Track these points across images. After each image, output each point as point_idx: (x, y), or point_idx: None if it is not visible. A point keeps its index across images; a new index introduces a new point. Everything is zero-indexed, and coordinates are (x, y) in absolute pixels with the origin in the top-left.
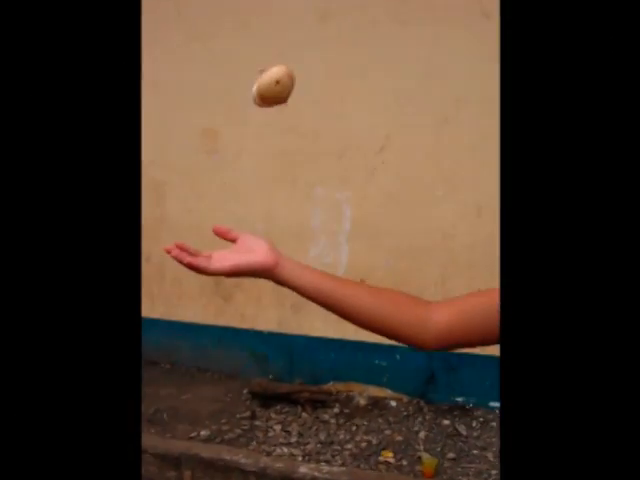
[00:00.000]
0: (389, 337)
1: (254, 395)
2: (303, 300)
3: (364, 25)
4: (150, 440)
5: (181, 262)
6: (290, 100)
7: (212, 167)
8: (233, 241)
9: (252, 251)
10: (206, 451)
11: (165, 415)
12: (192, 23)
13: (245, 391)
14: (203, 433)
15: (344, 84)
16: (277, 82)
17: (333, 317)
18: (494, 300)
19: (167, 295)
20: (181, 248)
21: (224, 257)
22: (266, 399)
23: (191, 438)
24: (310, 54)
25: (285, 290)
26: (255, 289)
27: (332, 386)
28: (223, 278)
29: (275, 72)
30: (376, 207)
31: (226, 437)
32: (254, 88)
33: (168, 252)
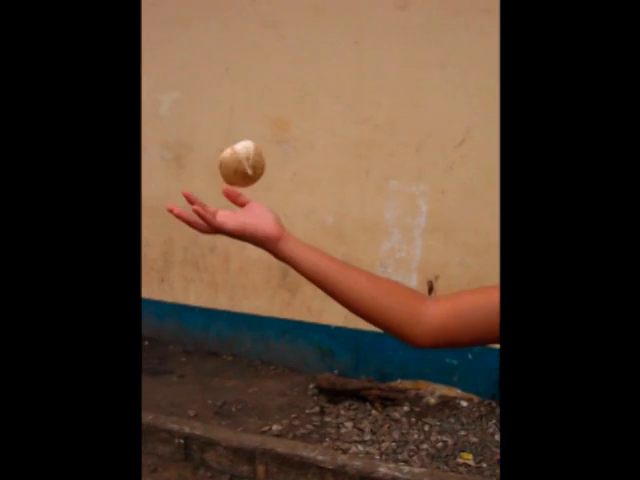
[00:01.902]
0: (381, 328)
1: (321, 390)
2: None
3: (445, 14)
4: (222, 433)
5: (185, 219)
6: (366, 90)
7: (282, 157)
8: (242, 205)
9: (259, 218)
10: (281, 446)
11: (233, 408)
12: (266, 10)
13: (311, 386)
14: (275, 428)
15: (423, 74)
16: (247, 158)
17: None
18: (492, 298)
19: (231, 286)
20: (188, 199)
21: (230, 216)
22: (334, 395)
23: (263, 432)
24: (388, 42)
25: None
26: None
27: (400, 383)
28: (291, 270)
29: (246, 148)
30: (453, 202)
31: (298, 433)
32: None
33: (170, 211)
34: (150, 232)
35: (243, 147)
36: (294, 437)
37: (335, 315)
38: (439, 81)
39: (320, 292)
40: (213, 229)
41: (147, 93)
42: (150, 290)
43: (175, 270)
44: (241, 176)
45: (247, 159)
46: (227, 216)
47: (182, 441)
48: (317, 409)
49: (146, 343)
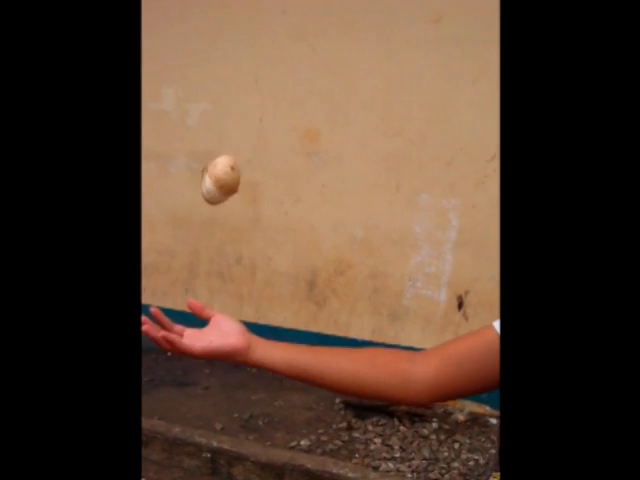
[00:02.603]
0: (374, 398)
1: (347, 405)
2: (402, 309)
3: (479, 27)
4: (250, 447)
5: (153, 338)
6: (398, 103)
7: (311, 169)
8: (207, 319)
9: (224, 334)
10: (311, 462)
11: (260, 421)
12: (297, 22)
13: (337, 400)
14: (303, 443)
15: (455, 87)
16: (232, 168)
17: (433, 328)
18: (479, 342)
19: (257, 298)
20: (156, 317)
21: (196, 337)
22: (361, 410)
23: (291, 448)
24: (420, 55)
25: (382, 298)
26: (351, 296)
27: None
28: (318, 283)
29: (226, 159)
30: (485, 216)
31: (327, 448)
32: (208, 182)
33: (142, 323)
34: (176, 242)
35: (205, 190)
36: (323, 453)
37: (362, 329)
38: (472, 94)
39: (348, 306)
40: (180, 352)
41: (175, 103)
42: (175, 301)
43: (200, 281)
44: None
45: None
46: (194, 337)
47: (209, 455)
48: (344, 424)
49: (169, 354)
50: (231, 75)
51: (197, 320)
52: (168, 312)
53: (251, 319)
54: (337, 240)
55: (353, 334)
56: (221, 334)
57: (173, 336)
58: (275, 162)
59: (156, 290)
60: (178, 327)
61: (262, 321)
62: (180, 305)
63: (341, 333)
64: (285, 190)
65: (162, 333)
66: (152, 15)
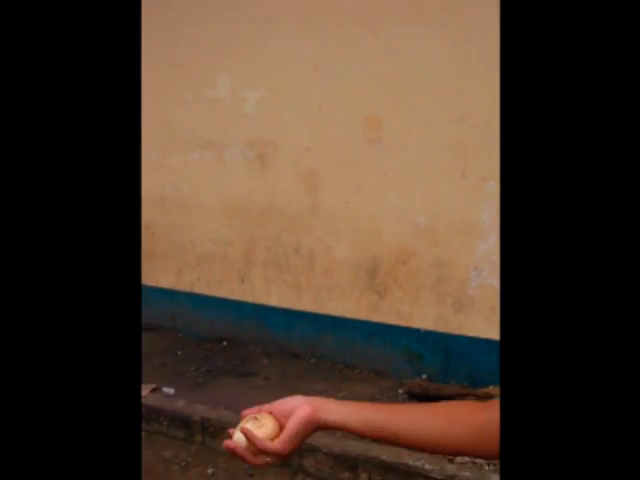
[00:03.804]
0: (454, 455)
1: (411, 395)
2: (467, 299)
3: None
4: (322, 439)
5: (235, 454)
6: (463, 88)
7: (373, 156)
8: (269, 413)
9: (290, 413)
10: (386, 454)
11: None
12: (359, 7)
13: (400, 391)
14: None
15: None
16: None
17: (498, 318)
18: None
19: (316, 287)
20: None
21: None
22: (426, 400)
23: (362, 439)
24: (487, 39)
25: (446, 287)
26: (414, 285)
27: (492, 390)
28: (379, 272)
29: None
30: None
31: None
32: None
33: (226, 447)
34: (231, 231)
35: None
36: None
37: (425, 319)
38: None
39: (410, 295)
40: (279, 458)
41: (231, 91)
42: (230, 290)
43: (256, 270)
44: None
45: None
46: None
47: None
48: None
49: (225, 343)
50: (289, 61)
51: (247, 312)
52: (223, 301)
53: (309, 309)
54: (400, 229)
55: (416, 324)
56: (288, 415)
57: (258, 444)
58: (335, 150)
59: (211, 279)
60: (259, 440)
61: (321, 310)
62: (235, 294)
63: (403, 323)
64: (345, 178)
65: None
66: (205, 1)
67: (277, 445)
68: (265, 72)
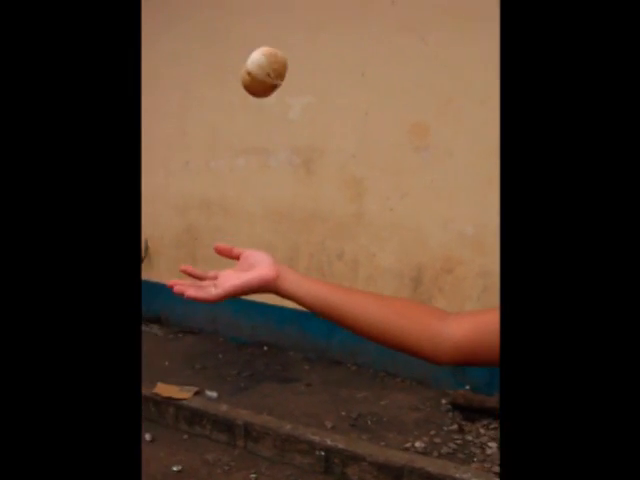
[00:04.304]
0: (398, 349)
1: (455, 406)
2: None
3: None
4: (366, 447)
5: (182, 295)
6: None
7: (419, 164)
8: (237, 258)
9: (253, 266)
10: (431, 465)
11: (369, 421)
12: (407, 14)
13: (444, 401)
14: (418, 445)
15: None
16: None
17: None
18: None
19: None
20: (187, 272)
21: (227, 278)
22: (470, 412)
23: (406, 449)
24: None
25: (492, 297)
26: (459, 295)
27: None
28: (424, 280)
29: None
30: None
31: (442, 451)
32: (258, 55)
33: (171, 287)
34: (275, 237)
35: (256, 65)
36: (439, 456)
37: None
38: None
39: (455, 304)
40: (213, 301)
41: (276, 97)
42: (271, 295)
43: None
44: (270, 87)
45: (267, 75)
46: (222, 282)
47: (323, 453)
48: (455, 427)
49: (265, 348)
50: (336, 68)
51: (288, 317)
52: (264, 306)
53: None
54: (445, 237)
55: None
56: (251, 267)
57: (205, 284)
58: (381, 157)
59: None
60: (212, 273)
61: None
62: (277, 300)
63: None
64: (391, 185)
65: (189, 293)
66: (252, 5)
67: (225, 284)
68: (312, 78)
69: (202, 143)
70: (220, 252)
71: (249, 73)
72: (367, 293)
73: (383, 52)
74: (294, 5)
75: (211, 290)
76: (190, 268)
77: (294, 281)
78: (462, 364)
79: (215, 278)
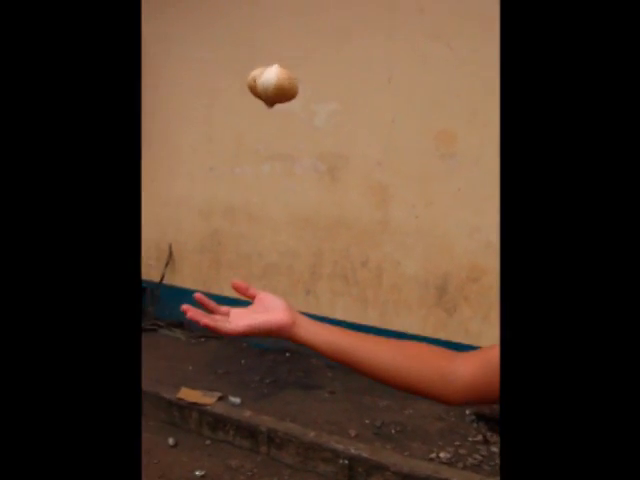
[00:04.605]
0: (411, 393)
1: (480, 417)
2: None
3: None
4: (390, 457)
5: (197, 323)
6: None
7: (446, 172)
8: (252, 298)
9: (269, 310)
10: (456, 476)
11: (392, 430)
12: (434, 21)
13: (468, 412)
14: (443, 455)
15: None
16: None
17: None
18: None
19: (383, 302)
20: (200, 302)
21: (240, 316)
22: (494, 423)
23: (431, 459)
24: None
25: None
26: (484, 304)
27: None
28: (449, 289)
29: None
30: None
31: (467, 463)
32: (272, 74)
33: (185, 312)
34: (299, 243)
35: (263, 82)
36: (464, 467)
37: (495, 338)
38: None
39: (480, 313)
40: (226, 333)
41: (302, 104)
42: (294, 301)
43: (323, 283)
44: (263, 100)
45: (266, 96)
46: (237, 319)
47: (347, 462)
48: (480, 438)
49: (287, 355)
50: (362, 74)
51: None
52: None
53: (375, 323)
54: (472, 245)
55: (485, 343)
56: (266, 310)
57: (217, 318)
58: (407, 164)
59: (276, 290)
60: (224, 308)
61: (387, 326)
62: (300, 306)
63: (471, 341)
64: (417, 193)
65: (204, 321)
66: (278, 11)
67: (239, 322)
68: (337, 85)
69: (227, 149)
70: (237, 289)
71: (254, 80)
72: (379, 338)
73: (410, 59)
74: (321, 11)
75: (225, 324)
76: (204, 298)
77: (310, 329)
78: (474, 403)
79: (227, 314)
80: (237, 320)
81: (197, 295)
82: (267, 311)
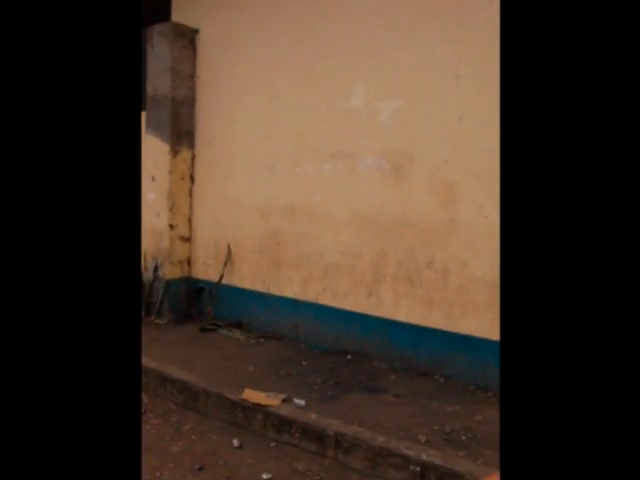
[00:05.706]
0: None
1: None
2: None
3: None
4: (464, 465)
5: None
6: None
7: None
8: None
9: None
10: None
11: (463, 436)
12: None
13: None
14: None
15: None
16: None
17: None
18: None
19: (448, 304)
20: None
21: None
22: None
23: None
24: None
25: None
26: None
27: None
28: None
29: None
30: None
31: None
32: None
33: None
34: (361, 243)
35: None
36: None
37: None
38: None
39: None
40: None
41: (365, 101)
42: (356, 302)
43: (386, 284)
44: None
45: None
46: None
47: (418, 469)
48: None
49: (349, 357)
50: (428, 71)
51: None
52: (348, 314)
53: (440, 326)
54: None
55: None
56: None
57: None
58: (475, 162)
59: (337, 291)
60: None
61: (452, 329)
62: (362, 308)
63: None
64: (486, 192)
65: None
66: (345, 9)
67: None
68: (402, 82)
69: (287, 148)
70: None
71: None
72: None
73: (479, 54)
74: (384, 7)
75: None
76: None
77: None
78: None
79: None
80: None
81: None
82: None
